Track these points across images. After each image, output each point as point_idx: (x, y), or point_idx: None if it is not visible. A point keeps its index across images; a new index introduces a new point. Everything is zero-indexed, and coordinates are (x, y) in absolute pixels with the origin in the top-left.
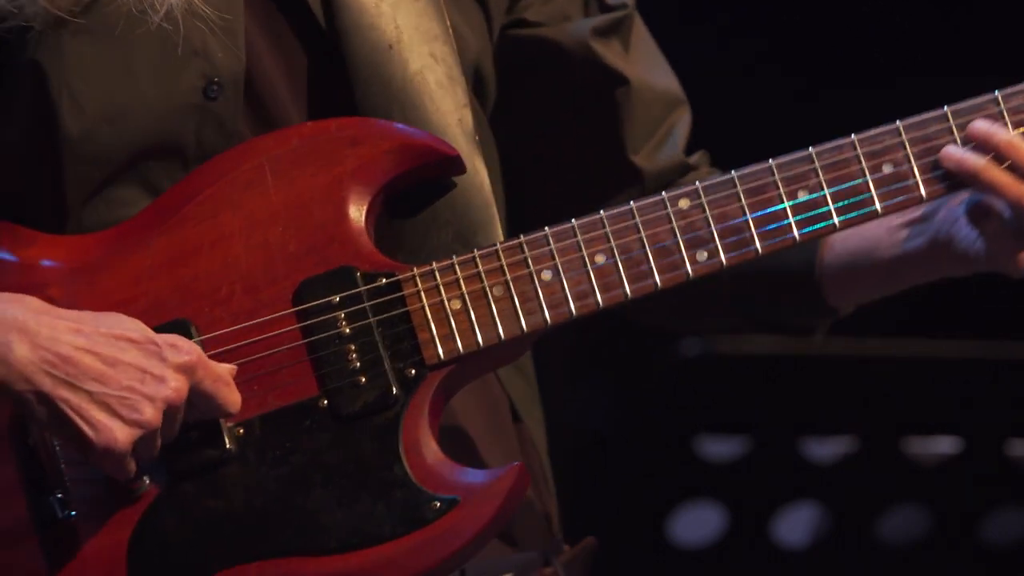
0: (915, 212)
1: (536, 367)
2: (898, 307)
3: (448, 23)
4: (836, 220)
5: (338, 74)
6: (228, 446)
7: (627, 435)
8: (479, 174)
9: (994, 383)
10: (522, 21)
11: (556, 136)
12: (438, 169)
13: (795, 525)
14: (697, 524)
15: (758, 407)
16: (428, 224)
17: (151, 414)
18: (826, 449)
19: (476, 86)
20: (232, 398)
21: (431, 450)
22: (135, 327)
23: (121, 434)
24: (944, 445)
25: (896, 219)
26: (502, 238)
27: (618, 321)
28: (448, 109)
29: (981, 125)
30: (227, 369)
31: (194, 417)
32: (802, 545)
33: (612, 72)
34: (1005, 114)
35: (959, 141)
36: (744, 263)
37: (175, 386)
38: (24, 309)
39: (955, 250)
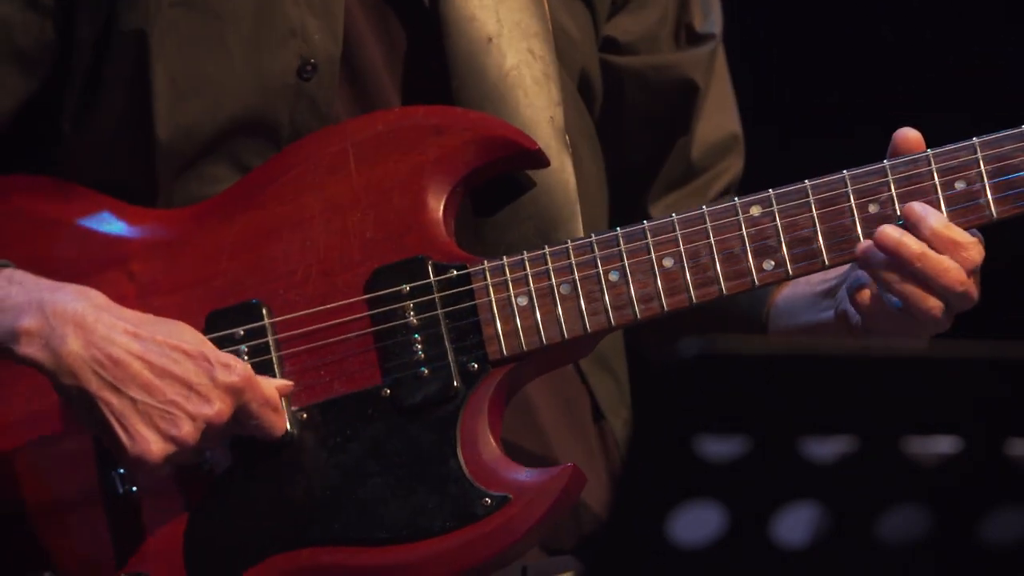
0: (829, 283)
1: (629, 366)
2: None
3: (549, 21)
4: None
5: (437, 63)
6: (290, 430)
7: (626, 435)
8: (565, 171)
9: (994, 383)
10: (613, 41)
11: (611, 164)
12: (520, 162)
13: (795, 525)
14: (697, 524)
15: (758, 407)
16: (509, 217)
17: (189, 431)
18: (826, 449)
19: (583, 86)
20: (278, 423)
21: (488, 446)
22: (192, 339)
23: (156, 447)
24: (944, 445)
25: (819, 287)
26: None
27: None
28: (541, 105)
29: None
30: (280, 386)
31: (240, 434)
32: (802, 545)
33: (685, 124)
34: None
35: None
36: (809, 273)
37: (219, 407)
38: (86, 303)
39: (855, 326)
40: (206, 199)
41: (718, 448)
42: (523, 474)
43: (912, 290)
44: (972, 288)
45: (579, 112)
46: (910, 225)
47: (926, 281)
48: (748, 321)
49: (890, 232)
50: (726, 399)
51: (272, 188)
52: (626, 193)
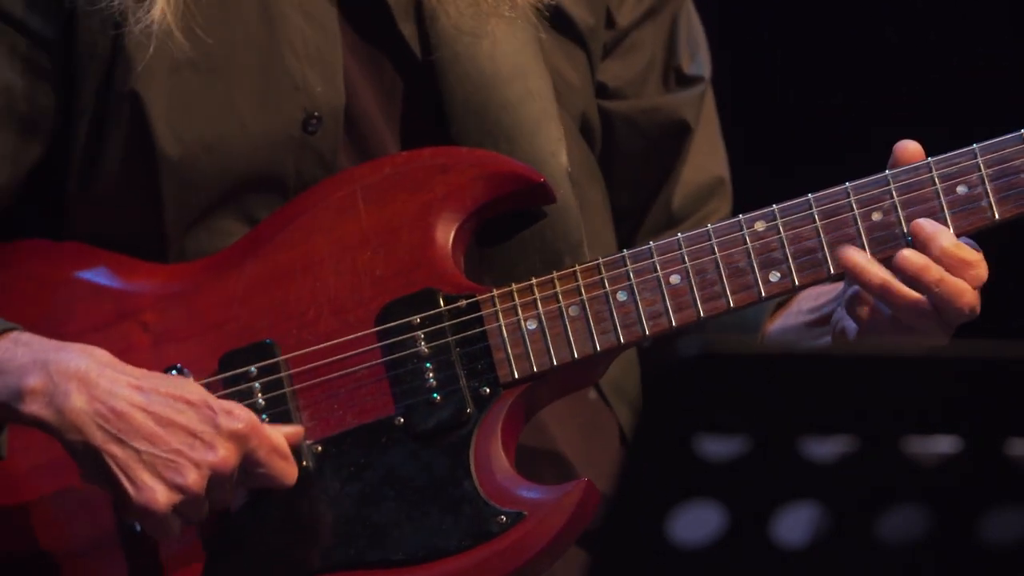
0: (821, 311)
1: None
2: None
3: (543, 62)
4: (906, 241)
5: (434, 108)
6: (305, 463)
7: (626, 435)
8: (570, 206)
9: (994, 383)
10: (602, 87)
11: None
12: (527, 197)
13: (795, 525)
14: (697, 524)
15: (758, 407)
16: (517, 251)
17: (194, 479)
18: (826, 449)
19: (584, 129)
20: (287, 471)
21: (502, 465)
22: (195, 390)
23: (162, 496)
24: (944, 445)
25: (809, 316)
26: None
27: None
28: (542, 143)
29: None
30: (289, 433)
31: (250, 484)
32: (802, 545)
33: (670, 170)
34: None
35: None
36: (816, 283)
37: (223, 455)
38: (89, 360)
39: (851, 340)
40: (216, 252)
41: (718, 448)
42: (537, 491)
43: (923, 311)
44: (978, 306)
45: (582, 151)
46: (920, 243)
47: (941, 304)
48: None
49: (913, 259)
50: (726, 399)
51: (282, 235)
52: (620, 235)
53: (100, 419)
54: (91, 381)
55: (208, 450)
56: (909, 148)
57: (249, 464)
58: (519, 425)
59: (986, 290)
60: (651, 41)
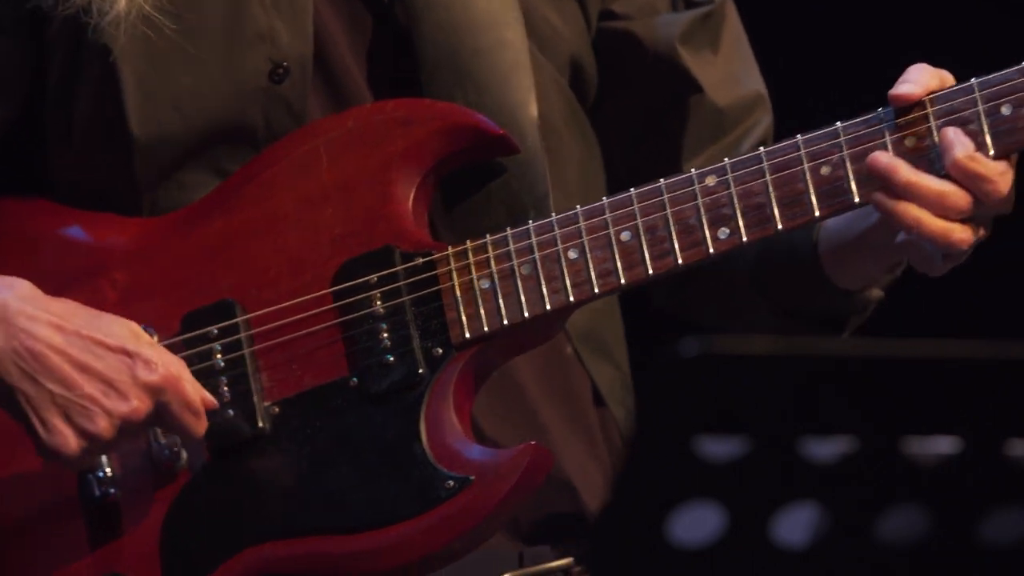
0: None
1: (632, 365)
2: (899, 307)
3: (520, 11)
4: (855, 194)
5: (407, 55)
6: (261, 425)
7: (630, 425)
8: (537, 157)
9: (994, 383)
10: (610, 13)
11: (632, 135)
12: (488, 149)
13: (795, 525)
14: (697, 524)
15: (758, 407)
16: (482, 204)
17: (104, 427)
18: (826, 449)
19: (574, 77)
20: (196, 428)
21: (453, 429)
22: (119, 333)
23: (72, 441)
24: (944, 445)
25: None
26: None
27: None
28: (511, 93)
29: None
30: (205, 397)
31: (167, 432)
32: (802, 545)
33: (690, 79)
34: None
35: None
36: (765, 239)
37: (136, 405)
38: (10, 294)
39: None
40: (188, 205)
41: (718, 448)
42: (486, 454)
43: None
44: (1000, 201)
45: (565, 100)
46: (943, 150)
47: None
48: (803, 260)
49: (881, 158)
50: (726, 399)
51: (247, 190)
52: (653, 163)
53: (16, 356)
54: (9, 317)
55: (120, 399)
56: (901, 91)
57: (163, 415)
58: (473, 385)
59: (986, 290)
60: None
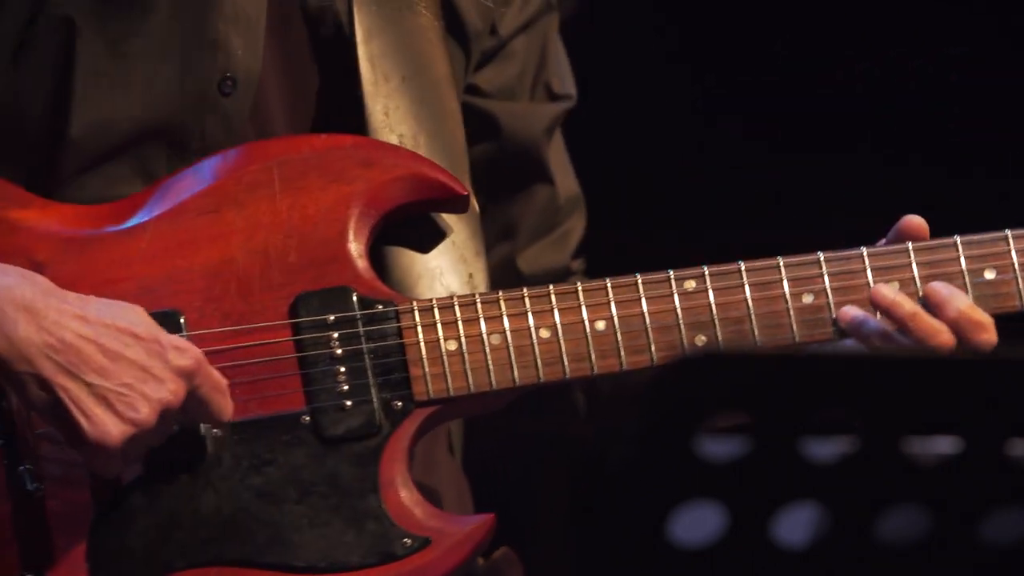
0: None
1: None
2: None
3: (449, 62)
4: (833, 329)
5: (349, 95)
6: (205, 447)
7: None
8: (475, 210)
9: (994, 383)
10: (475, 88)
11: (480, 197)
12: (444, 205)
13: (795, 525)
14: (697, 524)
15: (758, 407)
16: (422, 251)
17: (147, 413)
18: (826, 449)
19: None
20: (227, 408)
21: (407, 485)
22: (140, 321)
23: (116, 430)
24: (944, 445)
25: None
26: (485, 277)
27: None
28: (454, 134)
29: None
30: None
31: (186, 421)
32: (802, 545)
33: (546, 173)
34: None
35: (965, 272)
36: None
37: (173, 388)
38: (33, 288)
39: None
40: (111, 200)
41: (718, 448)
42: (443, 519)
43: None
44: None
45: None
46: (933, 306)
47: (918, 341)
48: None
49: (885, 292)
50: (726, 399)
51: (190, 198)
52: (490, 233)
53: (50, 350)
54: (37, 310)
55: (159, 385)
56: (914, 223)
57: (192, 401)
58: (417, 442)
59: None
60: (525, 52)
